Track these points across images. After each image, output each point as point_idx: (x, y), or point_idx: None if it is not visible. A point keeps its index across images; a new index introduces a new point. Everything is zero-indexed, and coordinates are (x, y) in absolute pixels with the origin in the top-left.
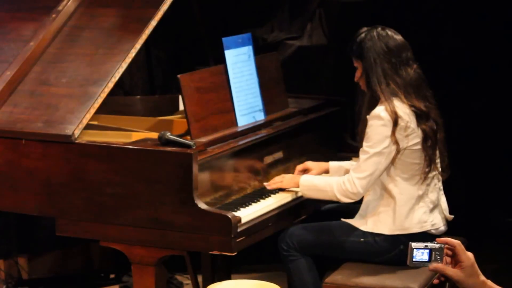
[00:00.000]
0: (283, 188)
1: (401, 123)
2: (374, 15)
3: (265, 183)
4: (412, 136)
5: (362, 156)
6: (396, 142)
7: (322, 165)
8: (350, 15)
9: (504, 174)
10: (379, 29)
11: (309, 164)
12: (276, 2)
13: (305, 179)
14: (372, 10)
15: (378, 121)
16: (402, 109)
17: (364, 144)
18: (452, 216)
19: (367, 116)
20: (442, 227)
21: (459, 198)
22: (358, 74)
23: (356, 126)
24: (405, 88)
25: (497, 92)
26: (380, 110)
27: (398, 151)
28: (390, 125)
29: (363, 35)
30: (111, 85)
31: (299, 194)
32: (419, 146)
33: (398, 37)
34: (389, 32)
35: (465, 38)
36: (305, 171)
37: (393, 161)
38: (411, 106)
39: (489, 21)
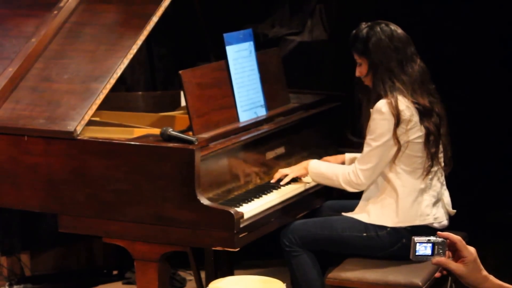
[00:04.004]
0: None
1: (403, 116)
2: (375, 10)
3: (271, 181)
4: (414, 129)
5: (365, 148)
6: (397, 139)
7: (338, 158)
8: (350, 10)
9: (506, 168)
10: (383, 25)
11: (326, 158)
12: None
13: (313, 166)
14: (373, 5)
15: (380, 116)
16: (405, 102)
17: (368, 136)
18: (454, 210)
19: (370, 110)
20: (444, 221)
21: (461, 192)
22: (363, 70)
23: (359, 120)
24: (411, 86)
25: (500, 86)
26: (382, 105)
27: (399, 149)
28: (392, 119)
29: (365, 31)
30: (113, 81)
31: (302, 189)
32: (421, 140)
33: (401, 32)
34: (393, 27)
35: (468, 30)
36: None
37: (394, 159)
38: (415, 103)
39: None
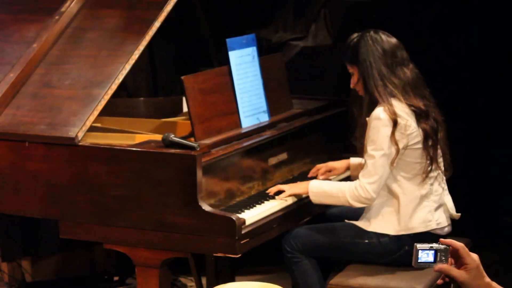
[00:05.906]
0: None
1: (401, 122)
2: (379, 15)
3: (268, 191)
4: (413, 135)
5: (369, 160)
6: (395, 143)
7: (343, 163)
8: (355, 15)
9: (509, 174)
10: (371, 32)
11: (331, 164)
12: (280, 3)
13: (314, 186)
14: (377, 10)
15: (378, 122)
16: (401, 108)
17: (368, 148)
18: (459, 214)
19: (367, 118)
20: (447, 227)
21: (465, 198)
22: (354, 80)
23: (354, 131)
24: (403, 88)
25: (502, 90)
26: (379, 111)
27: (397, 152)
28: (390, 125)
29: (355, 40)
30: (114, 87)
31: (304, 195)
32: (419, 145)
33: (392, 39)
34: (382, 35)
35: (470, 38)
36: (328, 171)
37: (393, 162)
38: (410, 105)
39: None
